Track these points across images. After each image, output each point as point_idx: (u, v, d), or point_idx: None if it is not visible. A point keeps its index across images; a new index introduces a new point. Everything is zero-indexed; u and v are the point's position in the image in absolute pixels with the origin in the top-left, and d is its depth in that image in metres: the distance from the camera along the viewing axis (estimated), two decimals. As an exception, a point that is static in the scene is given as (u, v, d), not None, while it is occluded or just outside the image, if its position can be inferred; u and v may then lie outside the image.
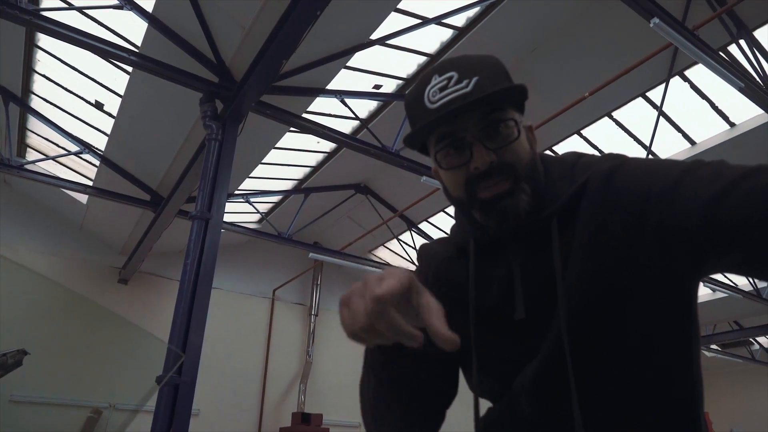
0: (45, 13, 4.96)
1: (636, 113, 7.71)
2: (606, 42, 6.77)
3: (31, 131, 8.23)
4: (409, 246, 11.11)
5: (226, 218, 7.97)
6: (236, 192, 9.33)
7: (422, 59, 7.11)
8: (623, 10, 5.14)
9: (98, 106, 7.39)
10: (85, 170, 8.76)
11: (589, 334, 0.77)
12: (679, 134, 7.83)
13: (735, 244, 0.65)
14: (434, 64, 0.88)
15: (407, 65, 7.24)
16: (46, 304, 9.25)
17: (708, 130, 7.73)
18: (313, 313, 12.80)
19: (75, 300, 10.05)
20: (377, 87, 7.51)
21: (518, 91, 0.79)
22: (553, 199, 0.82)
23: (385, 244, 12.29)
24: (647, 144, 6.81)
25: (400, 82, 7.38)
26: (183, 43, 5.69)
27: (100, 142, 7.93)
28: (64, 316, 9.35)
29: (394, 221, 10.14)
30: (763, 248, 0.63)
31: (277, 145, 8.11)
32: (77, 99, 7.31)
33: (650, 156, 7.21)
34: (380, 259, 12.59)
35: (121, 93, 6.82)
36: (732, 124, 7.52)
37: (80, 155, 8.05)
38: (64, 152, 8.04)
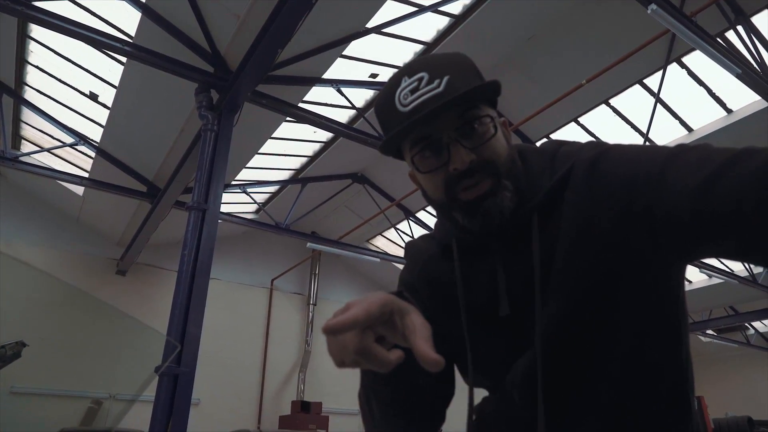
0: (37, 3, 4.90)
1: (633, 100, 7.69)
2: (603, 29, 6.73)
3: (25, 123, 8.17)
4: (407, 235, 11.13)
5: (223, 209, 7.97)
6: (233, 182, 9.31)
7: (419, 47, 7.07)
8: (620, -4, 5.11)
9: (93, 97, 7.34)
10: (81, 162, 8.72)
11: (577, 327, 0.76)
12: (676, 121, 7.82)
13: (726, 232, 0.64)
14: (402, 66, 0.84)
15: (404, 53, 7.20)
16: (45, 297, 9.27)
17: (705, 117, 7.73)
18: (311, 302, 12.84)
19: (73, 292, 10.06)
20: (373, 76, 7.47)
21: (491, 88, 0.77)
22: (534, 192, 0.81)
23: (383, 233, 12.31)
24: (644, 131, 6.81)
25: (397, 70, 7.34)
26: (177, 32, 5.64)
27: (95, 134, 7.88)
28: (62, 308, 9.37)
29: (391, 210, 10.14)
30: (755, 235, 0.62)
31: (273, 135, 8.08)
32: (71, 90, 7.25)
33: (647, 143, 7.21)
34: (378, 248, 12.61)
35: (116, 84, 6.77)
36: (729, 111, 7.52)
37: (75, 147, 8.01)
38: (60, 144, 8.00)
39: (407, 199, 9.53)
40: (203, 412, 10.18)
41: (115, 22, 6.00)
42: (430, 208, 10.91)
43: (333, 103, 7.66)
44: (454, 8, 6.57)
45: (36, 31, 6.39)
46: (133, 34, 5.89)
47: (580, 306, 0.76)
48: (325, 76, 6.87)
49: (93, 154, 8.13)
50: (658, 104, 6.91)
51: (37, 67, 6.98)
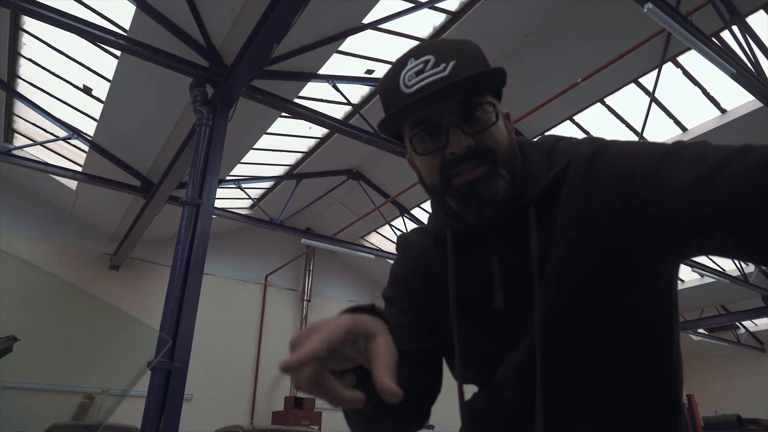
0: (30, -5, 4.85)
1: (628, 99, 7.72)
2: (599, 27, 6.74)
3: (18, 116, 8.11)
4: (402, 232, 11.12)
5: (218, 204, 7.94)
6: (228, 178, 9.28)
7: (415, 44, 7.05)
8: (617, -5, 5.12)
9: (86, 90, 7.28)
10: (74, 156, 8.67)
11: (572, 321, 0.76)
12: (671, 120, 7.86)
13: (721, 229, 0.64)
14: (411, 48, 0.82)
15: (400, 50, 7.16)
16: (37, 291, 9.22)
17: (699, 117, 7.76)
18: (305, 298, 12.84)
19: (66, 287, 10.01)
20: (369, 72, 7.45)
21: (496, 75, 0.76)
22: (531, 186, 0.80)
23: (378, 230, 12.31)
24: (639, 130, 6.83)
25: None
26: (172, 26, 5.60)
27: (88, 128, 7.83)
28: (55, 302, 9.32)
29: (386, 207, 10.14)
30: (749, 232, 0.62)
31: (268, 131, 8.05)
32: (65, 84, 7.19)
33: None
34: (372, 245, 12.61)
35: (110, 77, 6.72)
36: (723, 111, 7.56)
37: (69, 141, 7.95)
38: (53, 138, 7.94)
39: (402, 196, 9.53)
40: (196, 407, 10.16)
41: (109, 15, 5.95)
42: (425, 205, 10.92)
43: (328, 98, 7.64)
44: (451, 5, 6.56)
45: (29, 23, 6.33)
46: (127, 27, 5.85)
47: (574, 300, 0.76)
48: (321, 71, 6.84)
49: (86, 148, 8.08)
50: (653, 103, 6.93)
51: (30, 59, 6.92)
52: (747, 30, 5.99)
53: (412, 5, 6.28)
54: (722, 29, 6.17)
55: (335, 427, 11.59)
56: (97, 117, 7.48)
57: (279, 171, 9.99)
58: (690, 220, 0.66)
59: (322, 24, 6.01)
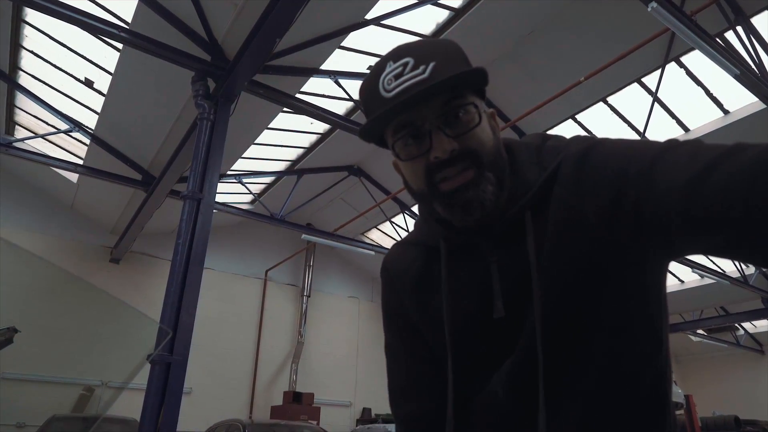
0: (32, -13, 4.84)
1: (631, 99, 7.70)
2: (603, 26, 6.72)
3: (19, 108, 8.10)
4: (402, 228, 11.13)
5: (219, 199, 7.94)
6: (228, 172, 9.28)
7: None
8: (621, -7, 5.10)
9: (88, 83, 7.27)
10: (75, 149, 8.66)
11: (564, 324, 0.76)
12: (673, 120, 7.84)
13: (714, 228, 0.63)
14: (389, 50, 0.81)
15: (402, 46, 7.17)
16: (38, 283, 9.23)
17: (702, 117, 7.74)
18: (305, 294, 12.86)
19: (67, 279, 10.03)
20: (371, 68, 7.43)
21: (479, 75, 0.74)
22: (522, 188, 0.79)
23: (378, 227, 12.31)
24: (641, 130, 6.82)
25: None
26: (174, 20, 5.59)
27: (90, 121, 7.82)
28: (56, 294, 9.34)
29: (387, 203, 10.14)
30: (742, 231, 0.61)
31: (270, 126, 8.05)
32: (66, 76, 7.18)
33: (644, 142, 7.22)
34: (373, 241, 12.62)
35: (111, 70, 6.71)
36: (726, 112, 7.54)
37: (70, 133, 7.95)
38: (54, 130, 7.93)
39: (403, 193, 9.52)
40: (195, 401, 10.19)
41: (111, 8, 5.94)
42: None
43: (330, 94, 7.63)
44: (454, 1, 6.54)
45: (31, 15, 6.31)
46: (129, 20, 5.83)
47: (564, 301, 0.75)
48: (323, 67, 6.83)
49: (88, 141, 8.08)
50: (656, 103, 6.92)
51: (32, 51, 6.90)
52: (751, 31, 5.98)
53: (416, 1, 6.26)
54: (726, 29, 6.15)
55: (333, 422, 11.63)
56: (99, 110, 7.47)
57: (280, 166, 9.98)
58: (682, 218, 0.65)
59: (325, 19, 6.00)
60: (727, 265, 11.30)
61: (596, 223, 0.74)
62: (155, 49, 5.32)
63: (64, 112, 7.69)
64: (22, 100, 7.81)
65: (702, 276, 10.66)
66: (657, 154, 0.70)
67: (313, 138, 9.21)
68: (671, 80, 7.10)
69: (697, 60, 6.82)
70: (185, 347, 4.37)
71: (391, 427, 8.03)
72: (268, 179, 10.33)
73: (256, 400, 11.60)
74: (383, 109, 0.74)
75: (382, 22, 6.41)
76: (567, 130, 8.30)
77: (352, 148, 9.24)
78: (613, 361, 0.77)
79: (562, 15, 6.73)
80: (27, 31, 6.63)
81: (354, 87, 7.53)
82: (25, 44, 6.82)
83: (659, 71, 6.63)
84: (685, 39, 5.04)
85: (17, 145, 7.72)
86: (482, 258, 0.81)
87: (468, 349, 0.84)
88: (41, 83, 7.38)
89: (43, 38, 6.64)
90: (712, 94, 7.39)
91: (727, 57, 5.26)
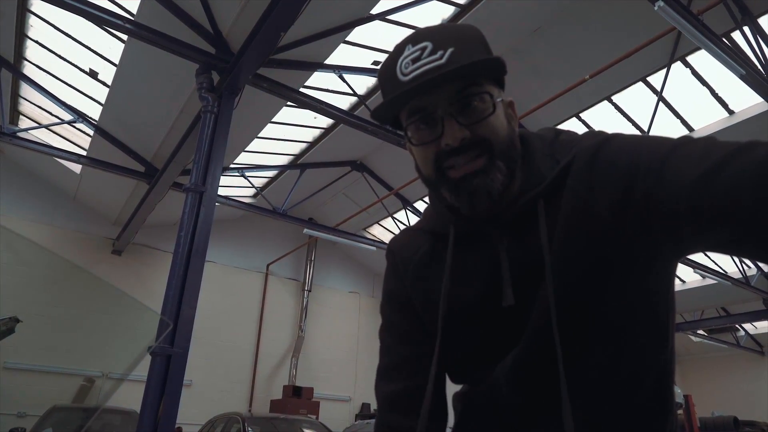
0: (38, -23, 4.84)
1: (636, 98, 7.67)
2: (608, 24, 6.69)
3: (23, 98, 8.11)
4: (404, 224, 11.13)
5: (221, 192, 7.95)
6: (231, 166, 9.28)
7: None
8: (628, -8, 5.07)
9: (93, 74, 7.27)
10: (79, 140, 8.67)
11: (573, 316, 0.75)
12: (678, 120, 7.81)
13: (724, 223, 0.63)
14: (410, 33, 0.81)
15: (407, 42, 7.15)
16: (40, 273, 9.27)
17: (707, 117, 7.71)
18: (306, 288, 12.88)
19: (70, 269, 10.06)
20: (376, 63, 7.42)
21: (495, 64, 0.74)
22: (534, 178, 0.79)
23: (380, 222, 12.31)
24: (645, 129, 6.79)
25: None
26: (179, 12, 5.58)
27: (94, 112, 7.83)
28: (58, 285, 9.37)
29: (389, 199, 10.14)
30: (749, 226, 0.61)
31: (273, 120, 8.04)
32: (71, 67, 7.18)
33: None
34: (374, 236, 12.62)
35: (116, 62, 6.71)
36: (731, 112, 7.51)
37: (74, 124, 7.96)
38: (58, 121, 7.94)
39: (405, 189, 9.52)
40: (195, 393, 10.24)
41: (116, -1, 5.94)
42: (428, 198, 10.91)
43: (334, 89, 7.61)
44: (460, -2, 6.51)
45: (36, 5, 6.31)
46: (134, 11, 5.83)
47: (574, 290, 0.75)
48: (328, 61, 6.82)
49: (91, 133, 8.08)
50: (660, 103, 6.89)
51: (36, 42, 6.90)
52: (758, 31, 5.94)
53: (421, -3, 6.24)
54: (733, 29, 6.12)
55: (332, 417, 11.66)
56: (103, 101, 7.48)
57: (283, 160, 9.98)
58: (693, 212, 0.65)
59: (330, 13, 5.98)
60: (729, 266, 11.28)
61: (607, 216, 0.74)
62: (160, 41, 5.31)
63: (69, 102, 7.70)
64: (26, 90, 7.82)
65: (703, 276, 10.64)
66: (669, 150, 0.70)
67: (317, 132, 9.20)
68: (676, 80, 7.07)
69: (702, 60, 6.79)
70: (186, 339, 4.38)
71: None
72: (271, 173, 10.33)
73: (255, 393, 11.65)
74: (398, 92, 0.74)
75: (387, 17, 6.39)
76: (571, 127, 8.13)
77: (356, 144, 9.24)
78: (617, 354, 0.77)
79: (567, 12, 6.70)
80: (32, 21, 6.63)
81: (358, 82, 7.52)
82: (30, 34, 6.82)
83: (665, 70, 6.60)
84: (692, 38, 5.01)
85: (21, 135, 7.72)
86: (491, 246, 0.81)
87: (467, 336, 0.84)
88: (46, 73, 7.39)
89: (48, 28, 6.64)
90: (717, 94, 7.35)
91: (733, 57, 5.23)
